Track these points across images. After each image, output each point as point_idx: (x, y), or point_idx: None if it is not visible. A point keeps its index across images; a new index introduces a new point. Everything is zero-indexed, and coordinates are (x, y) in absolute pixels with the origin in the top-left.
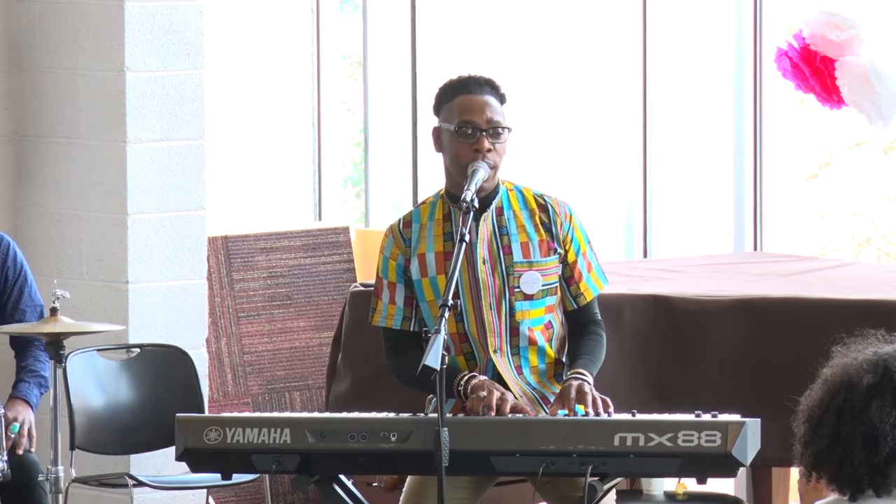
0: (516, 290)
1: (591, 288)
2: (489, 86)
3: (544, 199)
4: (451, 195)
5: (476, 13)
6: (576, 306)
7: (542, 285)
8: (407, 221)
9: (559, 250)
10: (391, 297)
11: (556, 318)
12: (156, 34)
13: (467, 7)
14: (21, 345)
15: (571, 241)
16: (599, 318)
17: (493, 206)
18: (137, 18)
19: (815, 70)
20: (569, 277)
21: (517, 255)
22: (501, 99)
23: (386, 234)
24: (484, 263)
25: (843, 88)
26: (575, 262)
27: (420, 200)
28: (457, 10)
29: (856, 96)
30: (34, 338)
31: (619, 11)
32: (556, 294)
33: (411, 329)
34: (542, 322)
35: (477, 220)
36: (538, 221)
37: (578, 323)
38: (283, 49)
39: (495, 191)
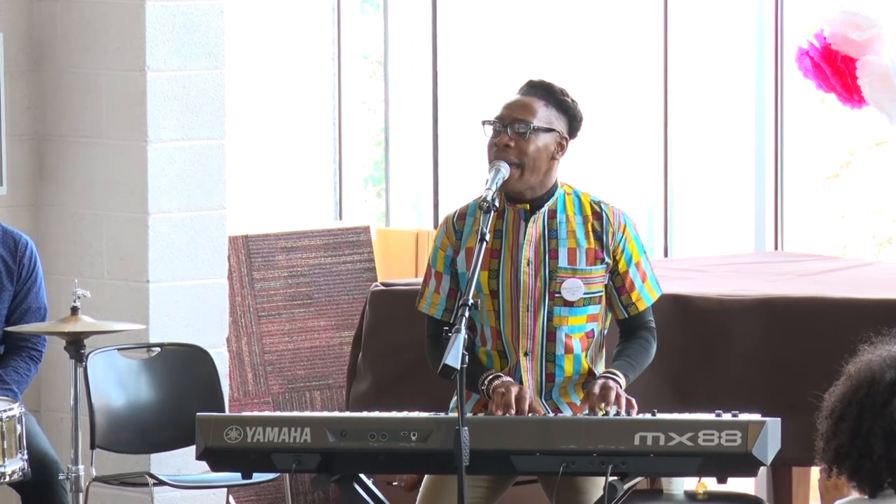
0: (557, 295)
1: (645, 298)
2: (543, 88)
3: (600, 207)
4: (506, 192)
5: (497, 13)
6: (627, 315)
7: (584, 293)
8: (462, 214)
9: (607, 260)
10: (437, 286)
11: (599, 327)
12: (177, 34)
13: (488, 6)
14: (10, 348)
15: (623, 251)
16: (652, 325)
17: (545, 208)
18: (158, 18)
19: (836, 69)
20: (620, 287)
21: (562, 260)
22: (558, 104)
23: (441, 224)
24: (528, 265)
25: (864, 88)
26: (626, 272)
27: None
28: (478, 9)
29: (877, 95)
30: (26, 343)
31: (641, 11)
32: (600, 303)
33: (452, 321)
34: (583, 330)
35: (527, 220)
36: (590, 229)
37: (629, 329)
38: (303, 48)
39: (550, 192)
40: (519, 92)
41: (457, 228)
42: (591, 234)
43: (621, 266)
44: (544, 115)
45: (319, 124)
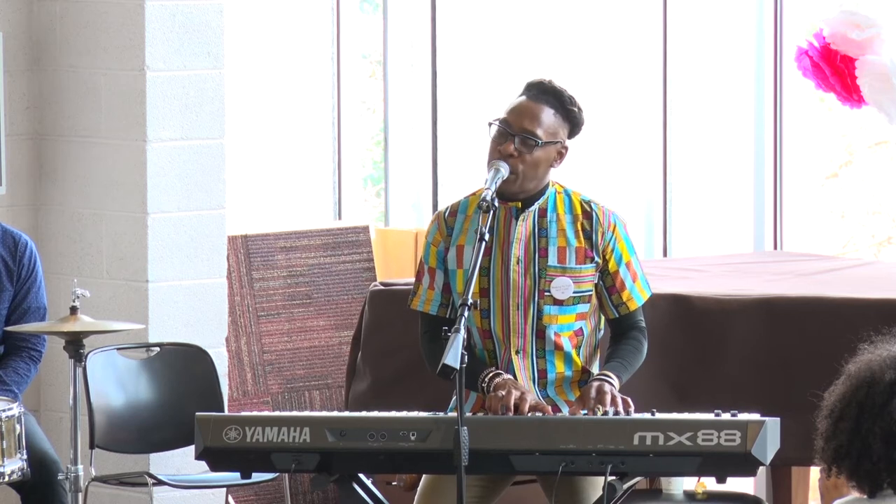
0: (546, 293)
1: (636, 298)
2: (553, 95)
3: (590, 206)
4: (500, 192)
5: (496, 13)
6: (617, 315)
7: (574, 292)
8: (454, 210)
9: (597, 259)
10: (430, 282)
11: (589, 326)
12: (176, 33)
13: (488, 6)
14: (10, 348)
15: (613, 250)
16: (643, 325)
17: (535, 207)
18: (158, 18)
19: (835, 69)
20: (610, 286)
21: (552, 258)
22: (565, 113)
23: (432, 220)
24: (518, 263)
25: (864, 87)
26: (616, 271)
27: (471, 191)
28: (477, 9)
29: (876, 95)
30: (25, 344)
31: (640, 10)
32: (588, 302)
33: (447, 316)
34: (571, 328)
35: (517, 218)
36: (580, 228)
37: (620, 330)
38: (303, 48)
39: (542, 191)
40: (528, 94)
41: (448, 225)
42: (580, 233)
43: (611, 266)
44: (551, 125)
45: (319, 124)
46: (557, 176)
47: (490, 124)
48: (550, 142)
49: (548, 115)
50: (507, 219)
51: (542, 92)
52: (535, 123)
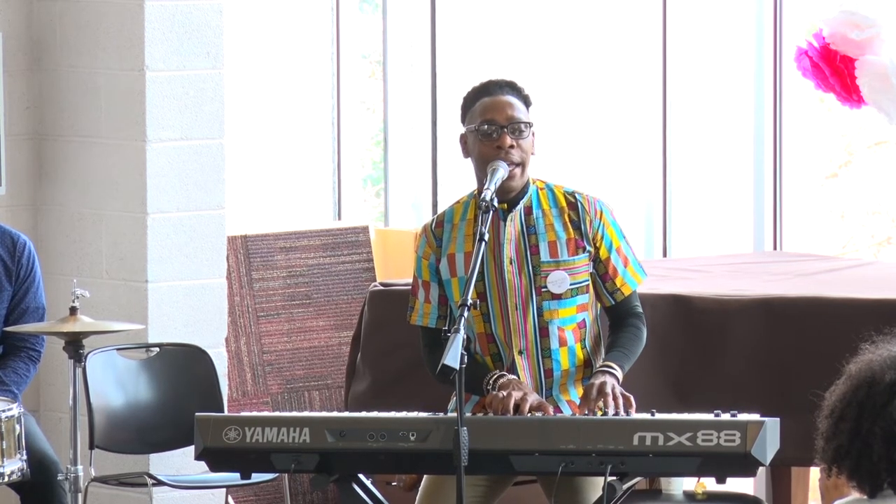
0: (543, 289)
1: (629, 282)
2: (510, 87)
3: (574, 197)
4: (502, 189)
5: (496, 13)
6: (613, 302)
7: (570, 284)
8: (439, 221)
9: (588, 248)
10: (426, 296)
11: (590, 317)
12: (175, 33)
13: (487, 7)
14: (9, 348)
15: (602, 237)
16: (640, 311)
17: (520, 206)
18: (157, 18)
19: (835, 69)
20: (603, 274)
21: (544, 254)
22: (524, 100)
23: (420, 233)
24: (511, 264)
25: (863, 88)
26: (608, 258)
27: (455, 200)
28: (477, 9)
29: (876, 95)
30: (24, 344)
31: (640, 10)
32: (587, 293)
33: (446, 327)
34: (574, 321)
35: (504, 219)
36: (567, 219)
37: (617, 316)
38: (302, 48)
39: (524, 190)
40: (490, 94)
41: (436, 236)
42: (569, 224)
43: (602, 253)
44: (524, 109)
45: (318, 124)
46: (563, 176)
47: (475, 130)
48: (532, 124)
49: (517, 102)
50: (494, 222)
51: (500, 87)
52: (517, 110)
